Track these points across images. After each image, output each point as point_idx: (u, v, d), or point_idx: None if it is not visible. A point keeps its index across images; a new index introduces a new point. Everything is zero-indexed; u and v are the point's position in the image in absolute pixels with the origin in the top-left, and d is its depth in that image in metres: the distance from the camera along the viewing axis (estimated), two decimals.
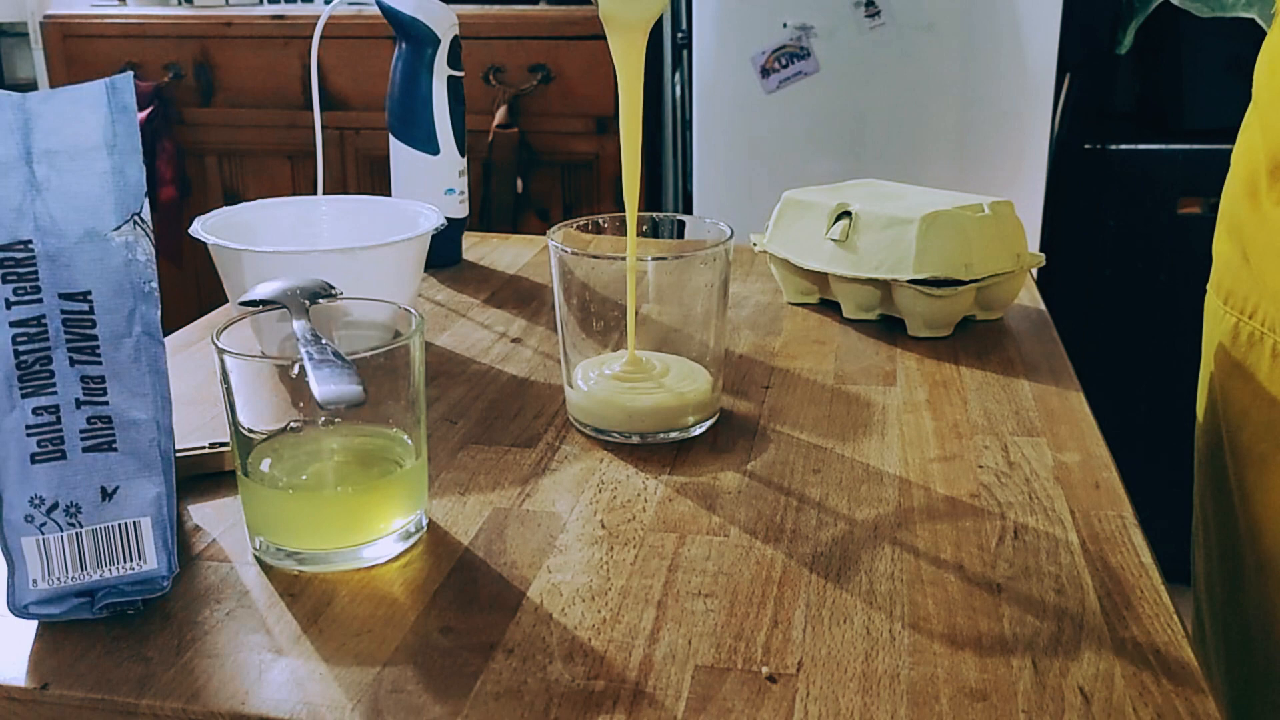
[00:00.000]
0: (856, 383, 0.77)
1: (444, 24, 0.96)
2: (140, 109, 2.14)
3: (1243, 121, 0.73)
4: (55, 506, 0.48)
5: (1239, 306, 0.69)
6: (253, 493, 0.54)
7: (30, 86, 2.56)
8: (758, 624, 0.49)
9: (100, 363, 0.49)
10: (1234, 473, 0.70)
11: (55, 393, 0.48)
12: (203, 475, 0.62)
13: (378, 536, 0.54)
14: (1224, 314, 0.71)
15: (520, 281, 0.99)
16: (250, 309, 0.58)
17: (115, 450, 0.49)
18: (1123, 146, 1.90)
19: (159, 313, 0.50)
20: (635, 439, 0.67)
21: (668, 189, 2.14)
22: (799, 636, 0.48)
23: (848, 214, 0.87)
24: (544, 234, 0.74)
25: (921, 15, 1.80)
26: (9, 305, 0.47)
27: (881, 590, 0.52)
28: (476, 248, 1.09)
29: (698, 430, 0.68)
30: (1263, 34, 1.88)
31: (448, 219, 0.95)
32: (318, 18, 0.97)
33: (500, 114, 2.05)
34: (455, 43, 0.97)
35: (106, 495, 0.49)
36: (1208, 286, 0.75)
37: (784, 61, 1.83)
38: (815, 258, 0.88)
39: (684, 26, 1.92)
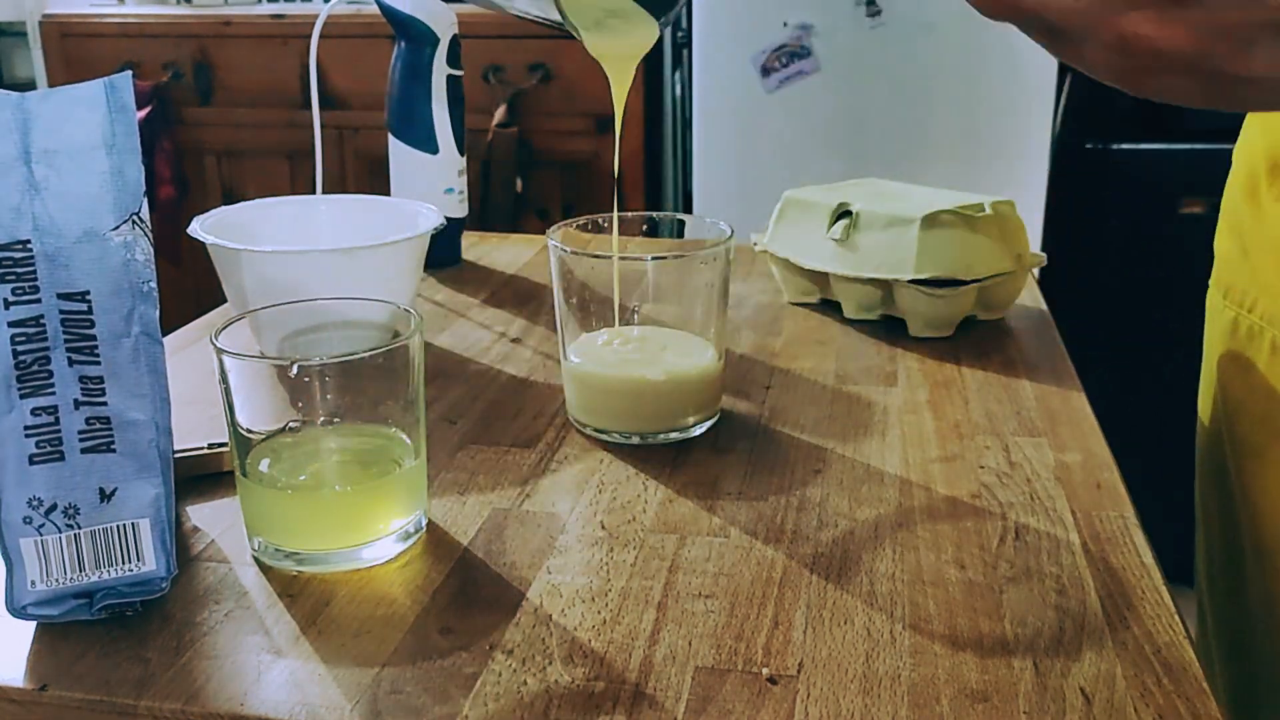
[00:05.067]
0: (857, 383, 0.76)
1: (443, 23, 0.95)
2: (139, 108, 2.14)
3: (1244, 119, 0.74)
4: (54, 508, 0.48)
5: (1238, 301, 0.70)
6: (251, 493, 0.54)
7: (29, 86, 2.55)
8: (758, 625, 0.49)
9: (99, 363, 0.49)
10: (1233, 465, 0.71)
11: (54, 393, 0.48)
12: (201, 476, 0.62)
13: (377, 537, 0.54)
14: (1224, 308, 0.72)
15: (520, 281, 0.99)
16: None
17: (114, 451, 0.49)
18: (1124, 146, 1.90)
19: (158, 312, 0.50)
20: (635, 439, 0.67)
21: (668, 189, 2.14)
22: (799, 638, 0.48)
23: (848, 213, 0.87)
24: (543, 234, 0.74)
25: (922, 14, 1.80)
26: (7, 305, 0.47)
27: (882, 591, 0.52)
28: (476, 247, 1.09)
29: (698, 430, 0.68)
30: None
31: (447, 218, 0.95)
32: (316, 17, 0.96)
33: (500, 113, 2.05)
34: (455, 42, 0.97)
35: (105, 496, 0.49)
36: (1209, 282, 0.76)
37: (784, 61, 1.83)
38: (816, 257, 0.88)
39: (684, 26, 1.92)
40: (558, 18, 0.57)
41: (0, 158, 0.47)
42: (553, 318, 0.71)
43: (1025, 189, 1.83)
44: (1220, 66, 0.41)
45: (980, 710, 0.44)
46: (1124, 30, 0.41)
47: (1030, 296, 0.94)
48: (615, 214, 0.68)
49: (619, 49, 0.61)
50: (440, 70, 0.96)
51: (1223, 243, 0.75)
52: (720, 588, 0.52)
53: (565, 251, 0.66)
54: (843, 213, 0.87)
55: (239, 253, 0.72)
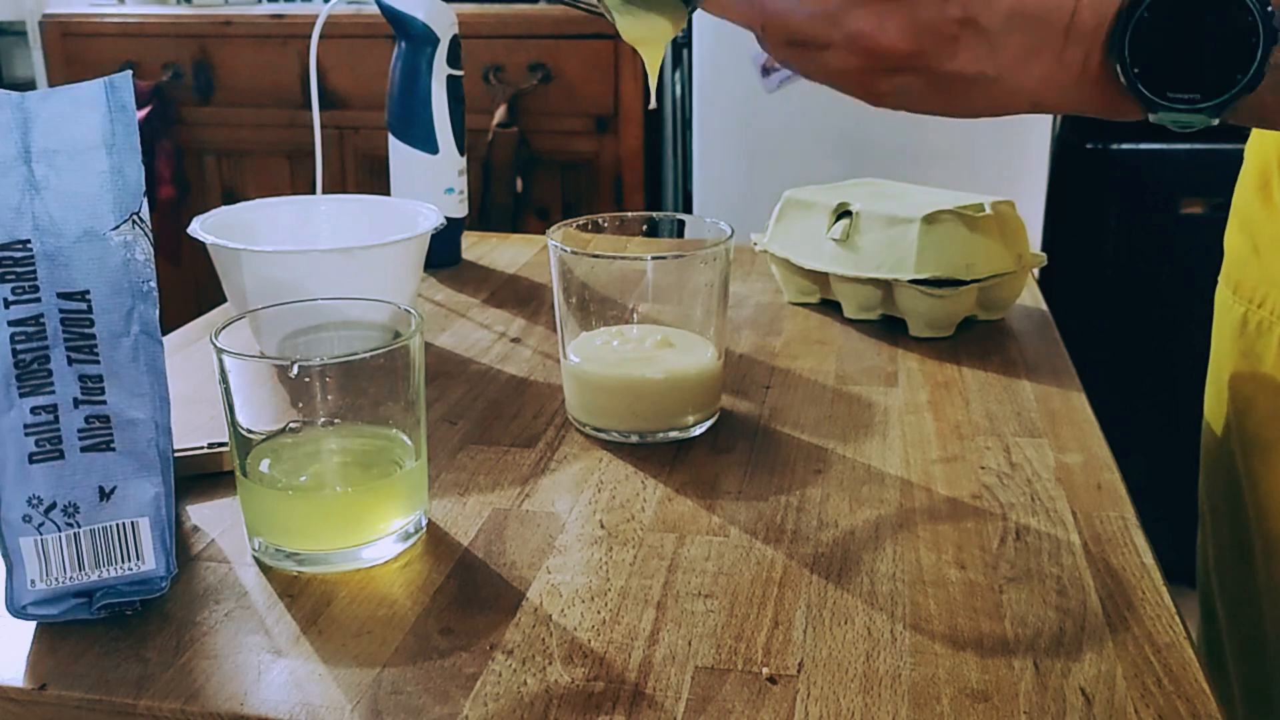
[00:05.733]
0: (858, 383, 0.76)
1: (443, 23, 0.95)
2: (139, 108, 2.14)
3: None
4: (53, 506, 0.48)
5: (1248, 296, 0.71)
6: (251, 493, 0.54)
7: (29, 86, 2.55)
8: (758, 625, 0.49)
9: (98, 362, 0.49)
10: (1241, 461, 0.71)
11: (53, 392, 0.48)
12: (201, 475, 0.62)
13: (377, 537, 0.54)
14: (1233, 304, 0.72)
15: (520, 281, 0.99)
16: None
17: (113, 450, 0.49)
18: (1124, 146, 1.90)
19: (157, 312, 0.50)
20: (635, 439, 0.67)
21: (668, 189, 2.14)
22: (799, 637, 0.48)
23: (849, 213, 0.87)
24: (543, 234, 0.74)
25: None
26: (7, 304, 0.47)
27: (883, 591, 0.52)
28: (476, 247, 1.09)
29: (698, 430, 0.68)
30: None
31: (447, 218, 0.95)
32: (317, 16, 0.96)
33: (500, 113, 2.05)
34: (455, 42, 0.97)
35: (104, 495, 0.49)
36: (1218, 278, 0.76)
37: None
38: (816, 257, 0.88)
39: (684, 26, 1.92)
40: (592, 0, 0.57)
41: (0, 158, 0.47)
42: (553, 318, 0.71)
43: (1025, 189, 1.82)
44: (933, 64, 0.47)
45: (980, 710, 0.44)
46: (851, 29, 0.47)
47: (1030, 296, 0.94)
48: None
49: (648, 33, 0.62)
50: (440, 70, 0.96)
51: (1233, 239, 0.75)
52: (720, 587, 0.52)
53: (565, 251, 0.66)
54: (843, 213, 0.87)
55: (239, 253, 0.72)
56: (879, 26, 0.47)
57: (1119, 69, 0.47)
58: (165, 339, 0.58)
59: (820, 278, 0.89)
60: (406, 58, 0.96)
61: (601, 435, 0.68)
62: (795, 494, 0.61)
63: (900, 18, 0.46)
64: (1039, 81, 0.48)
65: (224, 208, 0.80)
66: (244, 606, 0.51)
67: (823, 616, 0.50)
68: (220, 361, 0.52)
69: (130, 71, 0.51)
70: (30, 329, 0.47)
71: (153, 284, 0.50)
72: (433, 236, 0.78)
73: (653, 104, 0.65)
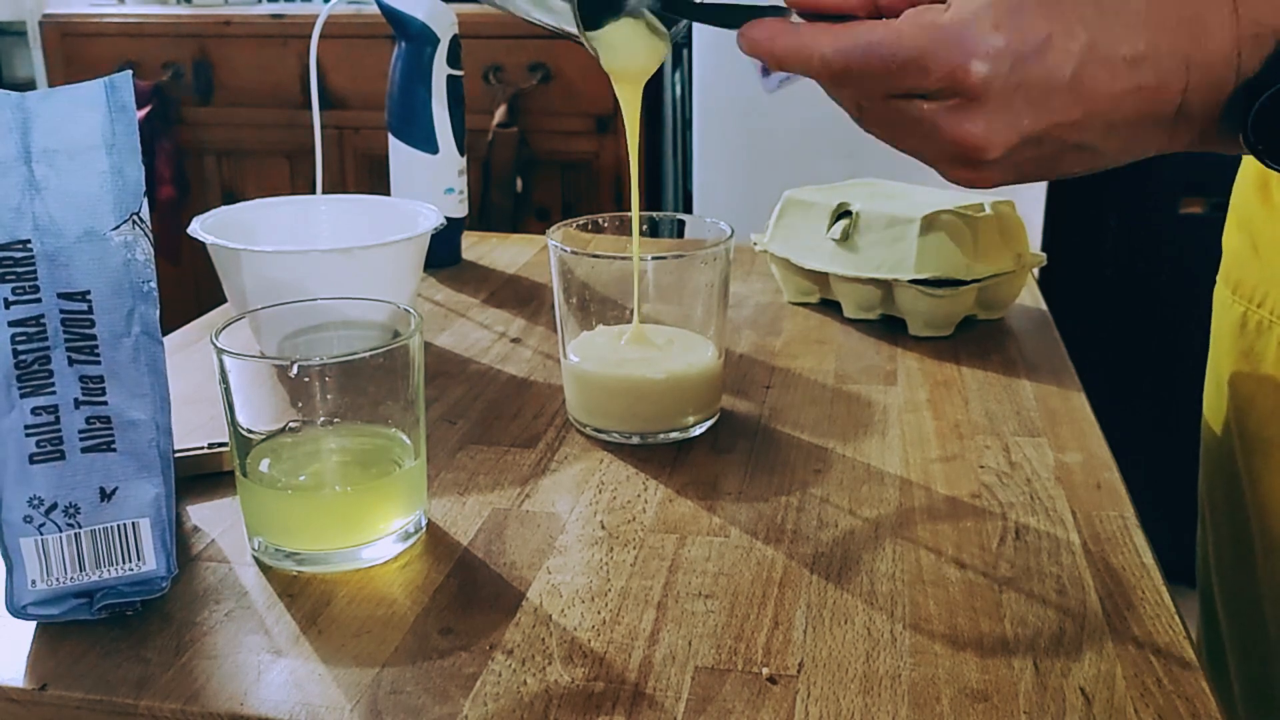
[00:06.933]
0: (857, 382, 0.76)
1: (443, 23, 0.95)
2: (139, 108, 2.14)
3: None
4: (54, 507, 0.48)
5: (1247, 295, 0.71)
6: (251, 493, 0.54)
7: (29, 86, 2.55)
8: (758, 625, 0.49)
9: (99, 362, 0.49)
10: (1242, 461, 0.71)
11: (54, 392, 0.48)
12: (201, 475, 0.62)
13: (377, 537, 0.54)
14: (1232, 303, 0.73)
15: (520, 281, 0.99)
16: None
17: (114, 450, 0.49)
18: None
19: (158, 312, 0.50)
20: (635, 439, 0.67)
21: (668, 189, 2.14)
22: (799, 637, 0.48)
23: (848, 213, 0.87)
24: (543, 234, 0.74)
25: None
26: (8, 305, 0.47)
27: (882, 591, 0.52)
28: (476, 247, 1.09)
29: (698, 430, 0.68)
30: None
31: (447, 218, 0.95)
32: (316, 16, 0.96)
33: (500, 113, 2.05)
34: (455, 41, 0.97)
35: (105, 496, 0.49)
36: (1217, 278, 0.76)
37: None
38: (816, 257, 0.88)
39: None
40: (573, 30, 0.58)
41: (0, 158, 0.47)
42: (553, 318, 0.71)
43: (1025, 189, 1.82)
44: (1045, 175, 0.50)
45: (980, 710, 0.44)
46: (951, 176, 0.49)
47: (1030, 296, 0.94)
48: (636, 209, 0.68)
49: (629, 64, 0.63)
50: (440, 70, 0.96)
51: (1232, 238, 0.75)
52: (720, 587, 0.52)
53: (565, 251, 0.66)
54: (843, 213, 0.88)
55: (239, 253, 0.72)
56: (979, 177, 0.49)
57: (1241, 139, 0.47)
58: (165, 339, 0.58)
59: (820, 278, 0.89)
60: (406, 58, 0.96)
61: (602, 436, 0.68)
62: (795, 494, 0.61)
63: (999, 172, 0.48)
64: (1149, 153, 0.50)
65: (224, 208, 0.80)
66: (244, 606, 0.51)
67: (823, 616, 0.50)
68: (220, 361, 0.52)
69: (130, 71, 0.51)
70: (31, 329, 0.47)
71: (153, 284, 0.50)
72: (433, 236, 0.78)
73: (634, 160, 0.66)
